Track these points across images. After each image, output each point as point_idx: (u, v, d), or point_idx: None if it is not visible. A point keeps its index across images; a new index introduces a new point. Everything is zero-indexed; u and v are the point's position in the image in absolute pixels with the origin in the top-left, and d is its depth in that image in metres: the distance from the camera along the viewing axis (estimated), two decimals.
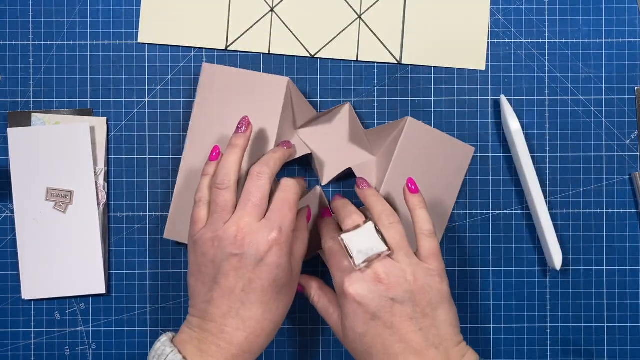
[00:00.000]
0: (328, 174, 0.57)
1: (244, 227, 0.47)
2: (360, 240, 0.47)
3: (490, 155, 0.58)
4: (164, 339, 0.47)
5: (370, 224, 0.48)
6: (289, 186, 0.50)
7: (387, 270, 0.47)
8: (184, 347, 0.46)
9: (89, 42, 0.58)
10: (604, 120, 0.58)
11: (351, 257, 0.47)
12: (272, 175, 0.49)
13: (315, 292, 0.52)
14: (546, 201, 0.57)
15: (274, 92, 0.54)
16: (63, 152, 0.57)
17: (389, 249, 0.47)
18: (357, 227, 0.48)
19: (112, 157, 0.58)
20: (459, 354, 0.47)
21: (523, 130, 0.56)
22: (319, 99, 0.58)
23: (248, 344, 0.47)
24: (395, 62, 0.58)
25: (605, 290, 0.58)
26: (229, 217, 0.48)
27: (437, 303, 0.47)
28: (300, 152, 0.55)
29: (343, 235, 0.48)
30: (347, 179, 0.58)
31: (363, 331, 0.47)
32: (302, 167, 0.59)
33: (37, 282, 0.57)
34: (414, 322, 0.46)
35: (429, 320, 0.46)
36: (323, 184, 0.57)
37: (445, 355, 0.46)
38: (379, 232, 0.48)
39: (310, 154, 0.56)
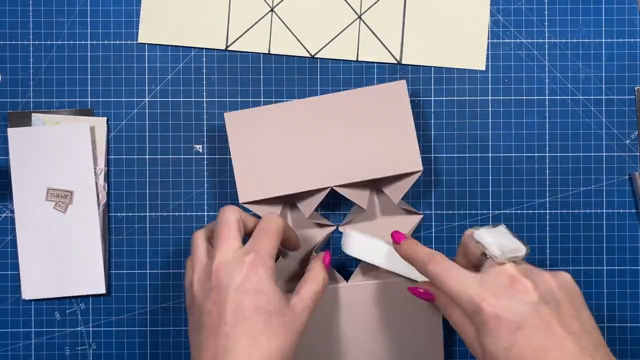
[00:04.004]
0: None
1: (217, 264, 0.45)
2: (498, 237, 0.44)
3: (490, 155, 0.58)
4: None
5: (503, 226, 0.45)
6: (269, 218, 0.48)
7: (524, 271, 0.42)
8: None
9: (89, 42, 0.58)
10: (603, 120, 0.58)
11: (494, 253, 0.43)
12: (239, 212, 0.47)
13: (448, 302, 0.45)
14: (546, 201, 0.57)
15: (400, 162, 0.53)
16: (63, 152, 0.57)
17: (528, 251, 0.43)
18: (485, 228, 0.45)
19: (112, 157, 0.58)
20: None
21: (523, 130, 0.56)
22: None
23: None
24: (395, 62, 0.58)
25: (605, 290, 0.58)
26: (205, 260, 0.47)
27: (579, 304, 0.43)
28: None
29: (482, 230, 0.44)
30: None
31: (509, 344, 0.40)
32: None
33: (37, 282, 0.57)
34: (562, 326, 0.41)
35: (577, 323, 0.41)
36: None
37: None
38: (513, 234, 0.44)
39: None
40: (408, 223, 0.57)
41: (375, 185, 0.56)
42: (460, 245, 0.48)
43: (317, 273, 0.48)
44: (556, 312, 0.41)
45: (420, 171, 0.53)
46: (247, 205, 0.53)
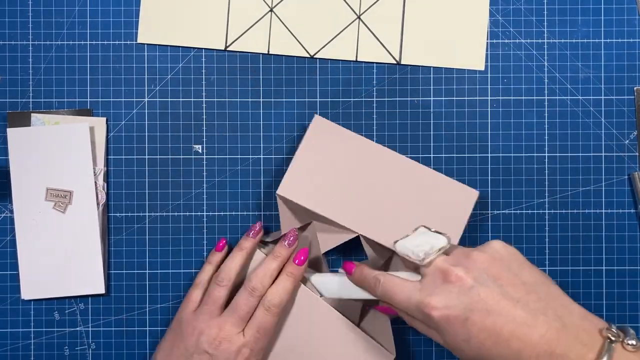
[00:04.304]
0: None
1: (224, 333, 0.50)
2: (415, 242, 0.45)
3: (489, 155, 0.58)
4: None
5: (421, 227, 0.46)
6: (272, 309, 0.51)
7: (454, 260, 0.43)
8: None
9: (88, 42, 0.58)
10: (603, 120, 0.58)
11: (416, 255, 0.45)
12: (263, 293, 0.52)
13: (407, 316, 0.46)
14: (545, 201, 0.58)
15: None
16: (62, 152, 0.57)
17: (449, 241, 0.45)
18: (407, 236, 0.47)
19: (112, 157, 0.58)
20: (579, 316, 0.41)
21: (522, 130, 0.56)
22: (318, 100, 0.58)
23: None
24: (395, 62, 0.58)
25: (604, 290, 0.58)
26: (218, 313, 0.51)
27: (517, 267, 0.43)
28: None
29: (400, 241, 0.46)
30: None
31: (466, 337, 0.41)
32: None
33: (36, 282, 0.57)
34: (506, 297, 0.41)
35: (521, 287, 0.42)
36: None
37: (560, 322, 0.40)
38: (434, 231, 0.45)
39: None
40: None
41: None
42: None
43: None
44: (496, 287, 0.41)
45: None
46: (279, 198, 0.53)
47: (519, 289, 0.41)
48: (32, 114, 0.57)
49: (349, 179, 0.53)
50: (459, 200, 0.52)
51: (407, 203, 0.53)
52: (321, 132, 0.54)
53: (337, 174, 0.53)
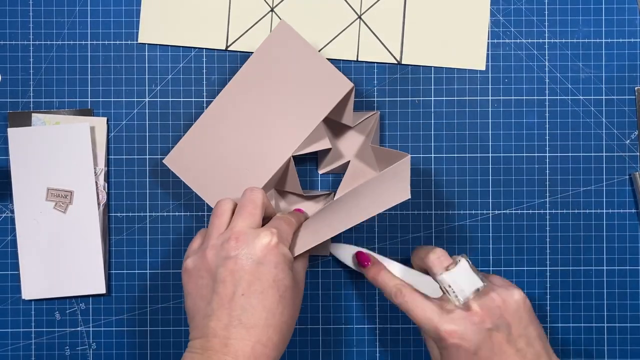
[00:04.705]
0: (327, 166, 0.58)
1: (239, 230, 0.46)
2: (458, 279, 0.47)
3: (490, 155, 0.58)
4: None
5: (464, 261, 0.48)
6: (286, 215, 0.51)
7: (480, 302, 0.47)
8: None
9: (89, 42, 0.58)
10: (603, 120, 0.58)
11: (455, 297, 0.47)
12: (264, 195, 0.50)
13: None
14: (546, 201, 0.58)
15: (332, 91, 0.52)
16: (63, 152, 0.57)
17: (484, 282, 0.48)
18: (448, 266, 0.48)
19: (112, 157, 0.58)
20: None
21: (523, 130, 0.56)
22: None
23: (255, 355, 0.44)
24: (396, 62, 0.58)
25: (605, 290, 0.58)
26: (224, 230, 0.48)
27: (527, 321, 0.47)
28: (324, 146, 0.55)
29: (444, 275, 0.48)
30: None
31: None
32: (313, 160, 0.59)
33: (37, 282, 0.57)
34: (511, 345, 0.46)
35: (524, 340, 0.47)
36: (320, 173, 0.58)
37: None
38: (472, 266, 0.48)
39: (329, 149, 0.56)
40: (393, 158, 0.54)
41: (335, 133, 0.57)
42: (418, 257, 0.51)
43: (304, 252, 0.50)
44: (506, 334, 0.46)
45: (352, 87, 0.52)
46: None
47: (522, 340, 0.47)
48: (33, 114, 0.57)
49: (235, 147, 0.53)
50: (285, 44, 0.52)
51: (276, 96, 0.52)
52: (182, 161, 0.54)
53: (226, 157, 0.53)
